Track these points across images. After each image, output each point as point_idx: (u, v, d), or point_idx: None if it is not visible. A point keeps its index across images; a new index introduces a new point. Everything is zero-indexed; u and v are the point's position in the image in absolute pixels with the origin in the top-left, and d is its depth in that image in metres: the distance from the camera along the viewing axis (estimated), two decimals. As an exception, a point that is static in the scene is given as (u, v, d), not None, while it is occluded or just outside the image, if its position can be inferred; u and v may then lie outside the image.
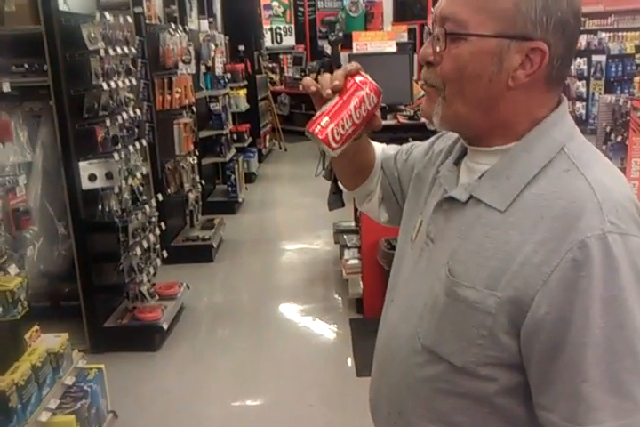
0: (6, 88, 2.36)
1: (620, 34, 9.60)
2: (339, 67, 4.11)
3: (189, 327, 4.01)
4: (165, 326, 3.69)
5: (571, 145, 0.93)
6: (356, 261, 4.18)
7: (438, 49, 0.94)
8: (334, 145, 1.02)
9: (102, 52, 3.27)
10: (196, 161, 5.28)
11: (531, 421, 0.92)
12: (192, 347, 3.82)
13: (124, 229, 3.44)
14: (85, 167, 3.28)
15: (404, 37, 5.26)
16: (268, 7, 13.18)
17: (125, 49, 3.52)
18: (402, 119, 4.34)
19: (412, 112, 4.37)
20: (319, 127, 1.01)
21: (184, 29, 5.20)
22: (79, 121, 3.31)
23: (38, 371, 2.28)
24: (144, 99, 4.39)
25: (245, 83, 7.88)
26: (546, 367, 0.87)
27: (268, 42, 12.40)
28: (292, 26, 13.56)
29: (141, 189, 3.75)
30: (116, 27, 3.45)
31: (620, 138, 3.87)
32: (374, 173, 1.30)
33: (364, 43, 4.49)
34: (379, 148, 1.33)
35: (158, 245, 3.98)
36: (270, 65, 11.39)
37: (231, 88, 7.15)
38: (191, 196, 5.18)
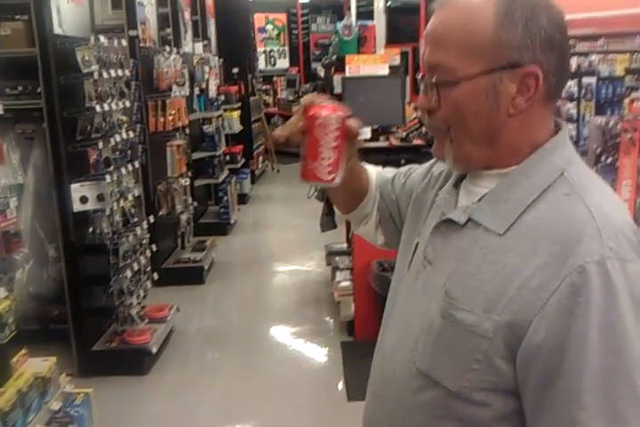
0: (0, 110, 2.36)
1: (609, 56, 9.73)
2: (332, 89, 4.11)
3: (179, 351, 3.98)
4: (155, 350, 3.65)
5: (571, 170, 0.94)
6: (347, 283, 4.16)
7: (434, 99, 0.95)
8: (329, 177, 1.05)
9: (96, 75, 3.28)
10: (188, 182, 5.28)
11: None
12: (182, 371, 3.79)
13: (115, 252, 3.43)
14: (77, 189, 3.28)
15: (397, 60, 5.30)
16: (262, 30, 13.32)
17: (119, 72, 3.53)
18: (394, 141, 4.37)
19: (404, 134, 4.40)
20: (307, 173, 1.05)
21: (178, 52, 5.24)
22: (72, 143, 3.31)
23: (24, 396, 2.24)
24: (137, 121, 4.40)
25: (239, 105, 7.92)
26: (542, 394, 0.86)
27: (261, 64, 12.50)
28: (286, 48, 13.70)
29: (133, 210, 3.74)
30: (111, 50, 3.48)
31: (610, 159, 3.90)
32: (369, 196, 1.29)
33: (357, 66, 4.53)
34: (373, 171, 1.33)
35: (149, 268, 3.96)
36: (264, 87, 11.46)
37: (225, 110, 7.19)
38: (183, 217, 5.17)
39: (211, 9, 7.56)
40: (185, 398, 3.44)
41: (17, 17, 3.30)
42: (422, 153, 4.43)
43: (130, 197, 3.67)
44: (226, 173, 6.81)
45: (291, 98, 11.71)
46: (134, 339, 3.61)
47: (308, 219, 5.68)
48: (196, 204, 5.60)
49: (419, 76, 1.00)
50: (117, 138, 3.51)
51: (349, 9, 9.67)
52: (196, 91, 6.15)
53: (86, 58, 3.24)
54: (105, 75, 3.35)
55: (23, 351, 2.43)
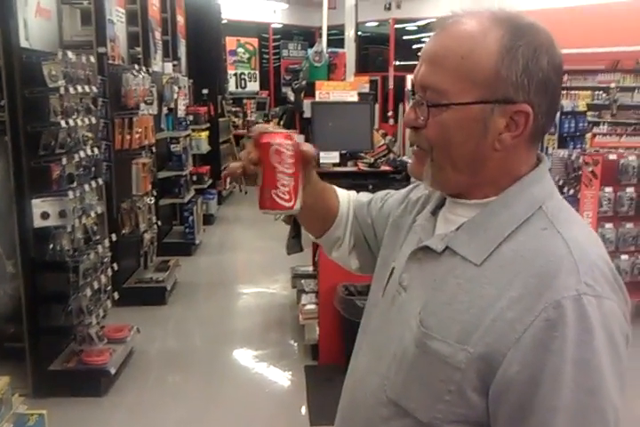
0: (-40, 122, 2.31)
1: (572, 92, 10.04)
2: (301, 113, 4.13)
3: (139, 373, 3.88)
4: (113, 371, 3.56)
5: (549, 203, 0.94)
6: (312, 307, 4.14)
7: (422, 118, 0.94)
8: (289, 204, 1.05)
9: (62, 90, 3.24)
10: (153, 201, 5.23)
11: None
12: (141, 393, 3.69)
13: (75, 269, 3.35)
14: (38, 205, 3.22)
15: (366, 88, 5.37)
16: (234, 53, 13.40)
17: (87, 88, 3.50)
18: (362, 166, 4.40)
19: (372, 160, 4.44)
20: (266, 201, 1.05)
21: (147, 71, 5.22)
22: (35, 158, 3.25)
23: (-27, 417, 2.16)
24: (103, 138, 4.35)
25: (208, 125, 7.91)
26: None
27: (232, 86, 12.55)
28: (257, 72, 13.79)
29: (95, 228, 3.67)
30: (78, 65, 3.44)
31: (572, 191, 3.99)
32: (340, 219, 1.28)
33: (327, 91, 4.58)
34: (344, 194, 1.31)
35: (110, 287, 3.88)
36: (234, 109, 11.50)
37: (193, 130, 7.17)
38: (146, 236, 5.10)
39: (182, 30, 7.58)
40: (144, 421, 3.36)
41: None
42: (390, 179, 4.48)
43: (92, 214, 3.61)
44: (192, 193, 6.76)
45: (260, 120, 11.76)
46: (92, 359, 3.52)
47: (275, 241, 5.65)
48: (160, 223, 5.54)
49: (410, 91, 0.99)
50: (82, 154, 3.46)
51: (320, 36, 9.80)
52: (165, 110, 6.13)
53: (53, 72, 3.20)
54: (71, 90, 3.31)
55: (-26, 370, 2.34)
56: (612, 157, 3.79)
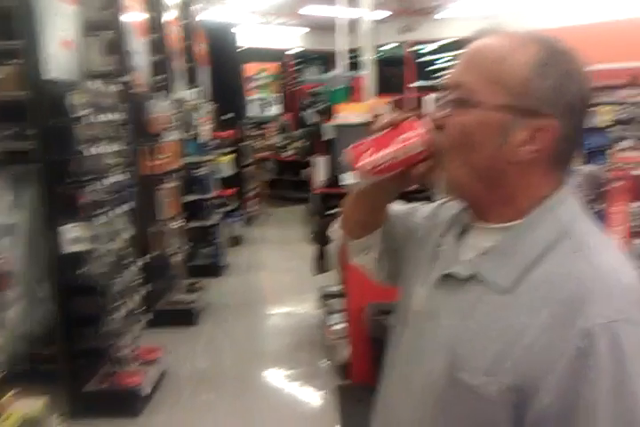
0: (-8, 152, 2.40)
1: (596, 108, 9.99)
2: (323, 136, 4.17)
3: (171, 393, 3.91)
4: (146, 392, 3.61)
5: (576, 226, 0.91)
6: (341, 326, 4.13)
7: (446, 112, 0.94)
8: (366, 169, 1.01)
9: (88, 119, 3.33)
10: (180, 225, 5.30)
11: None
12: (173, 413, 3.72)
13: (107, 293, 3.41)
14: (68, 230, 3.29)
15: (386, 109, 5.42)
16: (255, 78, 13.59)
17: (111, 116, 3.60)
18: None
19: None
20: (359, 153, 1.01)
21: (171, 98, 5.33)
22: (64, 185, 3.34)
23: (12, 437, 2.21)
24: (129, 164, 4.45)
25: (231, 149, 8.02)
26: None
27: (254, 111, 12.70)
28: (278, 96, 13.95)
29: (125, 252, 3.74)
30: (103, 94, 3.54)
31: (599, 207, 3.94)
32: (377, 232, 1.24)
33: (347, 114, 4.63)
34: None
35: (140, 309, 3.94)
36: (256, 133, 11.62)
37: (217, 154, 7.27)
38: (175, 259, 5.17)
39: (203, 57, 7.74)
40: (177, 442, 3.38)
41: (10, 61, 3.38)
42: (411, 198, 4.46)
43: (121, 238, 3.68)
44: (218, 215, 6.84)
45: (282, 143, 11.87)
46: (126, 380, 3.56)
47: (301, 261, 5.69)
48: (188, 246, 5.60)
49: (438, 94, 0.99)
50: (109, 180, 3.54)
51: (339, 60, 9.92)
52: (189, 136, 6.24)
53: (78, 102, 3.29)
54: (97, 118, 3.41)
55: (12, 392, 2.40)
56: (636, 172, 3.78)
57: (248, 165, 9.55)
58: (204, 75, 7.81)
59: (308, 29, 14.97)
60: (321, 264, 4.74)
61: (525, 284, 0.88)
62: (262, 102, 13.56)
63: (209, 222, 6.48)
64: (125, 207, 3.79)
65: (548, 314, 0.83)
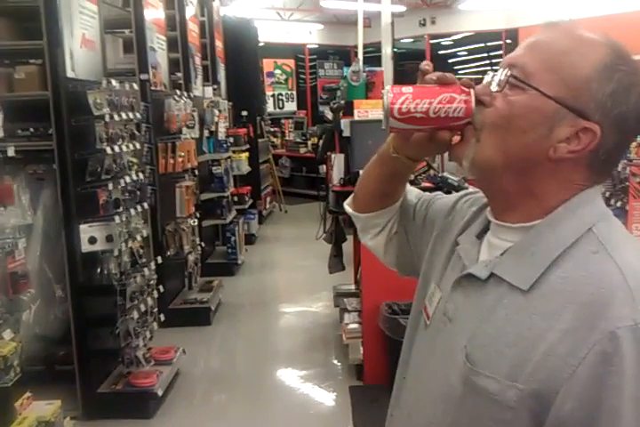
0: (11, 152, 2.39)
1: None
2: (340, 132, 4.15)
3: (185, 394, 3.91)
4: (160, 393, 3.60)
5: (600, 226, 0.88)
6: (356, 326, 4.11)
7: (495, 88, 0.91)
8: (398, 110, 0.95)
9: (107, 118, 3.33)
10: (196, 223, 5.30)
11: None
12: (187, 414, 3.71)
13: (122, 293, 3.41)
14: (86, 230, 3.29)
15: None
16: (271, 75, 13.59)
17: (130, 114, 3.59)
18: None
19: (412, 177, 4.42)
20: (398, 88, 0.95)
21: (189, 96, 5.32)
22: (82, 184, 3.33)
23: (27, 440, 2.21)
24: (147, 162, 4.45)
25: (247, 146, 8.01)
26: None
27: (270, 107, 12.70)
28: (294, 92, 13.95)
29: (141, 251, 3.74)
30: (122, 93, 3.53)
31: (619, 203, 3.90)
32: (391, 209, 1.23)
33: (366, 110, 4.58)
34: (410, 190, 1.28)
35: (156, 309, 3.94)
36: (272, 129, 11.62)
37: (233, 152, 7.27)
38: (190, 258, 5.17)
39: (221, 54, 7.72)
40: (190, 443, 3.38)
41: (31, 61, 3.38)
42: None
43: (138, 237, 3.68)
44: (233, 213, 6.84)
45: (298, 140, 11.86)
46: (140, 381, 3.56)
47: (316, 260, 5.67)
48: (203, 244, 5.60)
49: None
50: (127, 179, 3.54)
51: (356, 55, 9.86)
52: (206, 133, 6.24)
53: (98, 101, 3.29)
54: (116, 117, 3.40)
55: (27, 394, 2.40)
56: None
57: (264, 162, 9.55)
58: (223, 71, 7.79)
59: (322, 26, 14.93)
60: (336, 263, 4.72)
61: (545, 285, 0.85)
62: (279, 99, 13.56)
63: (225, 220, 6.48)
64: (143, 206, 3.78)
65: (569, 317, 0.80)
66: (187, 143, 5.11)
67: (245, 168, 7.71)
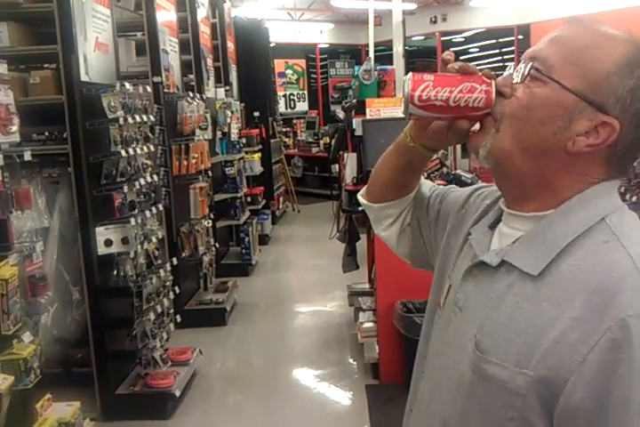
0: (27, 157, 2.41)
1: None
2: (352, 131, 4.15)
3: (202, 394, 3.94)
4: (178, 394, 3.62)
5: (613, 217, 0.89)
6: (371, 325, 4.12)
7: (516, 79, 0.92)
8: (419, 97, 0.95)
9: (121, 121, 3.35)
10: (210, 224, 5.32)
11: None
12: (205, 415, 3.74)
13: (139, 294, 3.43)
14: (102, 232, 3.31)
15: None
16: (282, 75, 13.61)
17: (144, 117, 3.61)
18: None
19: (425, 174, 4.41)
20: (420, 79, 0.95)
21: (201, 97, 5.35)
22: (97, 187, 3.36)
23: (48, 442, 2.23)
24: (161, 164, 4.48)
25: (260, 147, 8.03)
26: None
27: (282, 107, 12.72)
28: (306, 92, 13.96)
29: (156, 253, 3.76)
30: (136, 96, 3.56)
31: (635, 198, 3.87)
32: (404, 200, 1.24)
33: (378, 109, 4.58)
34: (425, 183, 1.29)
35: (172, 310, 3.96)
36: (284, 129, 11.63)
37: (246, 152, 7.29)
38: (205, 259, 5.19)
39: (232, 55, 7.74)
40: (208, 444, 3.40)
41: (46, 66, 3.41)
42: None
43: (154, 239, 3.70)
44: (247, 214, 6.86)
45: (310, 139, 11.87)
46: (157, 382, 3.58)
47: (330, 259, 5.68)
48: (217, 245, 5.63)
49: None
50: (142, 181, 3.56)
51: (368, 54, 9.85)
52: (219, 134, 6.27)
53: (112, 104, 3.31)
54: (130, 120, 3.42)
55: (47, 396, 2.42)
56: None
57: (277, 163, 9.57)
58: (235, 73, 7.82)
59: (333, 25, 14.93)
60: (350, 262, 4.72)
61: (556, 273, 0.85)
62: (290, 99, 13.57)
63: (238, 221, 6.50)
64: (158, 208, 3.81)
65: (579, 305, 0.81)
66: (200, 145, 5.13)
67: (258, 169, 7.73)
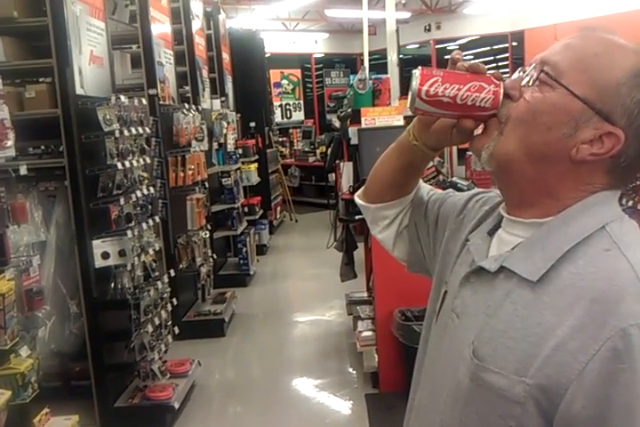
0: (23, 171, 2.42)
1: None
2: (348, 140, 4.16)
3: (201, 406, 3.92)
4: (176, 406, 3.61)
5: (614, 225, 0.88)
6: (369, 333, 4.11)
7: (524, 82, 0.92)
8: (422, 94, 0.94)
9: (117, 133, 3.35)
10: (207, 235, 5.32)
11: None
12: (204, 426, 3.72)
13: (136, 307, 3.43)
14: (99, 245, 3.31)
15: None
16: (278, 85, 13.66)
17: (140, 129, 3.61)
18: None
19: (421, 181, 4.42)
20: (429, 73, 0.95)
21: (197, 109, 5.36)
22: (93, 200, 3.36)
23: (47, 456, 2.22)
24: (158, 176, 4.49)
25: (256, 157, 8.04)
26: None
27: (278, 117, 12.76)
28: (301, 102, 14.01)
29: (154, 265, 3.76)
30: (131, 108, 3.56)
31: (631, 202, 3.88)
32: (402, 201, 1.24)
33: (373, 117, 4.59)
34: (424, 186, 1.28)
35: (170, 322, 3.95)
36: (280, 139, 11.66)
37: (242, 163, 7.30)
38: (203, 270, 5.19)
39: (228, 67, 7.77)
40: (208, 456, 3.38)
41: (41, 79, 3.42)
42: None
43: (151, 251, 3.70)
44: (244, 224, 6.86)
45: (307, 149, 11.89)
46: (156, 395, 3.57)
47: (328, 268, 5.69)
48: (215, 256, 5.62)
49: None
50: (138, 194, 3.56)
51: (362, 63, 9.90)
52: (215, 145, 6.28)
53: (107, 117, 3.32)
54: (126, 132, 3.43)
55: (45, 410, 2.42)
56: None
57: (273, 172, 9.58)
58: (231, 84, 7.84)
59: (328, 35, 15.01)
60: (348, 271, 4.73)
61: (556, 280, 0.85)
62: (286, 108, 13.61)
63: (236, 232, 6.50)
64: (154, 220, 3.81)
65: (580, 313, 0.80)
66: (196, 156, 5.14)
67: (255, 179, 7.74)
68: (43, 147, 3.40)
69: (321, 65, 15.40)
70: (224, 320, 5.13)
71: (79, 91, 3.30)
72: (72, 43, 3.21)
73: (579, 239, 0.86)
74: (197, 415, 3.80)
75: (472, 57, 14.89)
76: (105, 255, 3.31)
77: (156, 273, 3.79)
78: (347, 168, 4.50)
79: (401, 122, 4.63)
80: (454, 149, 9.85)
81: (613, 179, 0.91)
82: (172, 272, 4.16)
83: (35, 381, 2.25)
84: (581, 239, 0.86)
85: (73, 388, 3.63)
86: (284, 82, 13.96)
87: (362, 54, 10.11)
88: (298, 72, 14.51)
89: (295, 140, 12.42)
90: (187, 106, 5.14)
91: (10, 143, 2.30)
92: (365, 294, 4.92)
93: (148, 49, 4.54)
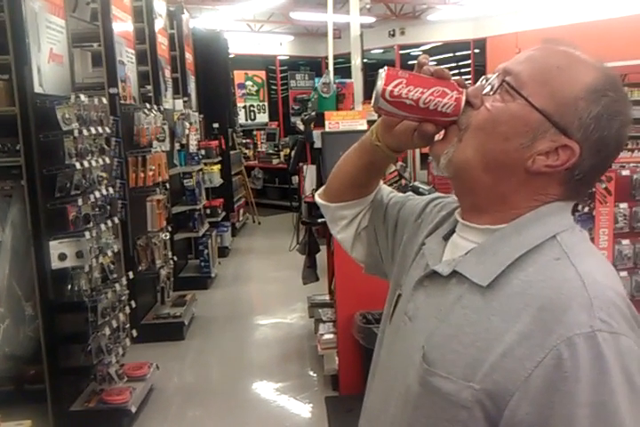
0: (-23, 169, 2.36)
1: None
2: (311, 144, 4.17)
3: (159, 410, 3.87)
4: (134, 410, 3.56)
5: (565, 235, 0.90)
6: (331, 336, 4.12)
7: (486, 91, 0.93)
8: (386, 94, 0.95)
9: (76, 133, 3.30)
10: (168, 237, 5.26)
11: None
12: (161, 431, 3.69)
13: (94, 309, 3.37)
14: (55, 246, 3.25)
15: (375, 116, 5.40)
16: (242, 86, 13.61)
17: (100, 129, 3.56)
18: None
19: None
20: (394, 74, 0.95)
21: (159, 109, 5.30)
22: (51, 200, 3.29)
23: (-3, 463, 2.17)
24: (117, 177, 4.42)
25: (219, 159, 7.99)
26: None
27: (242, 119, 12.71)
28: (266, 104, 13.98)
29: (112, 267, 3.70)
30: (91, 107, 3.51)
31: (586, 209, 3.96)
32: (362, 202, 1.24)
33: (337, 121, 4.61)
34: (384, 188, 1.29)
35: (128, 325, 3.89)
36: (244, 141, 11.61)
37: (205, 164, 7.24)
38: (163, 272, 5.13)
39: (191, 66, 7.71)
40: (165, 460, 3.34)
41: (-2, 76, 3.34)
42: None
43: (109, 253, 3.64)
44: (206, 226, 6.80)
45: (271, 151, 11.86)
46: (113, 398, 3.52)
47: (290, 271, 5.67)
48: (175, 258, 5.56)
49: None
50: (97, 194, 3.50)
51: (327, 67, 9.91)
52: (177, 146, 6.22)
53: (66, 116, 3.26)
54: (85, 132, 3.37)
55: (-3, 415, 2.36)
56: (625, 172, 3.74)
57: (236, 174, 9.53)
58: (194, 84, 7.78)
59: (292, 37, 15.03)
60: (310, 274, 4.73)
61: (506, 287, 0.86)
62: (250, 110, 13.56)
63: (197, 233, 6.45)
64: (113, 221, 3.75)
65: (527, 320, 0.81)
66: (157, 156, 5.08)
67: (217, 180, 7.69)
68: (1, 145, 3.31)
69: (286, 67, 15.39)
70: (184, 323, 5.08)
71: (37, 89, 3.24)
72: (30, 40, 3.15)
73: (529, 247, 0.88)
74: (155, 419, 3.75)
75: (435, 63, 15.06)
76: (62, 257, 3.25)
77: (115, 275, 3.73)
78: (310, 171, 4.50)
79: (364, 126, 4.66)
80: (417, 153, 9.94)
81: (567, 191, 0.93)
82: (131, 274, 4.11)
83: (-14, 385, 2.20)
84: (532, 247, 0.88)
85: (27, 392, 3.55)
86: (249, 83, 13.92)
87: (327, 57, 10.12)
88: (262, 74, 14.49)
89: (259, 142, 12.38)
90: (148, 106, 5.08)
91: (-36, 141, 2.24)
92: (327, 297, 4.92)
93: (109, 47, 4.47)
